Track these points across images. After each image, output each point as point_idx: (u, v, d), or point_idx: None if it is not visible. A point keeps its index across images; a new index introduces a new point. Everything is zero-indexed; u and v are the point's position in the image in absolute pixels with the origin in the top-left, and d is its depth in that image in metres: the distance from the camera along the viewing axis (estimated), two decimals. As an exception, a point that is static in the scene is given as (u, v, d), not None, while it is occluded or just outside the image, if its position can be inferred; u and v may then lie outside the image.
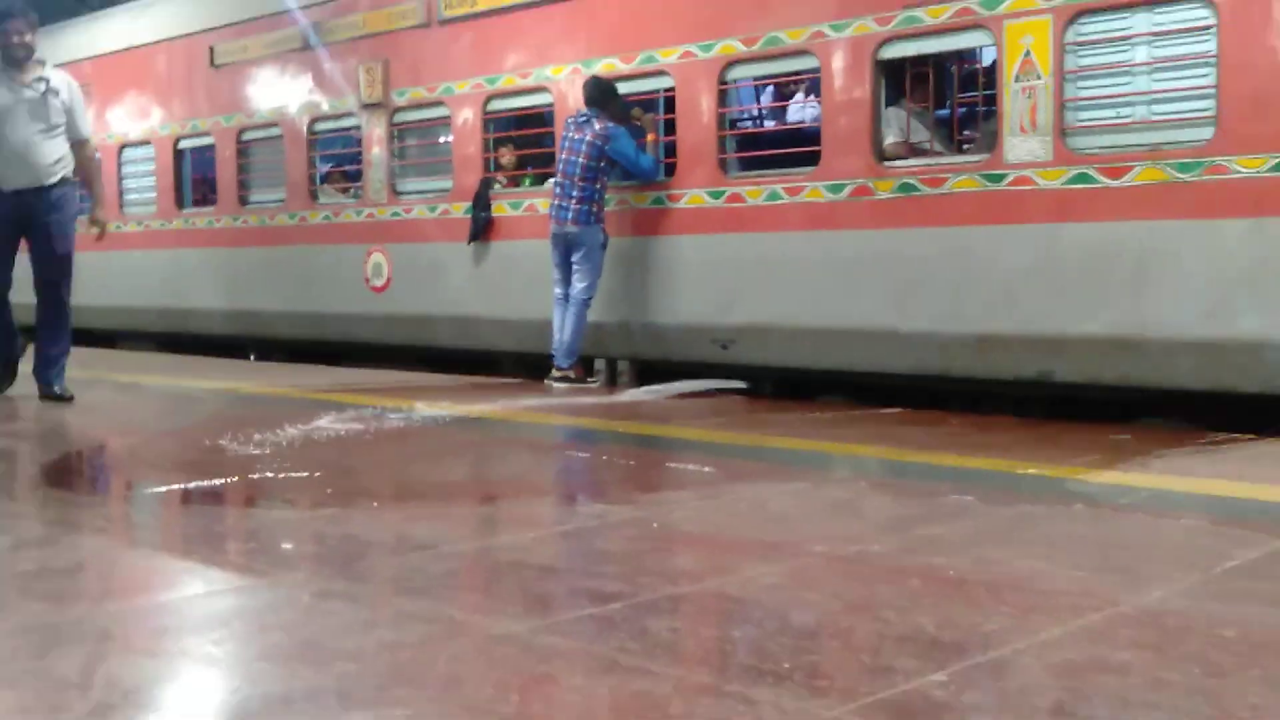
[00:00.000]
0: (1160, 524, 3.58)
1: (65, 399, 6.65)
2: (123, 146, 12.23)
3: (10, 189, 6.58)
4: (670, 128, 7.84)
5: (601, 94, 7.66)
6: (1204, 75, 5.72)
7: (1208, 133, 5.69)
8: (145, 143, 12.02)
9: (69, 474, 4.86)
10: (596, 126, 7.57)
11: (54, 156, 6.70)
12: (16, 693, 2.17)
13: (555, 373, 7.80)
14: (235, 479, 4.43)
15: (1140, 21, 5.93)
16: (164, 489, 4.31)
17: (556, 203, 7.72)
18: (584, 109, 7.75)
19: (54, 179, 6.71)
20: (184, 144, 11.66)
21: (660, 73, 7.85)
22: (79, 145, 6.91)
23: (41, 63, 6.78)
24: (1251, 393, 5.70)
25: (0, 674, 2.28)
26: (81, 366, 9.17)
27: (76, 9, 16.88)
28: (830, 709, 2.09)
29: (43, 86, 6.67)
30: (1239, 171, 5.59)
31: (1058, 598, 2.78)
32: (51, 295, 6.82)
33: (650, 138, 7.87)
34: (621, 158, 7.58)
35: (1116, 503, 3.87)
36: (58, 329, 6.86)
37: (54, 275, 6.78)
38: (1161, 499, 3.91)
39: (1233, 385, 5.73)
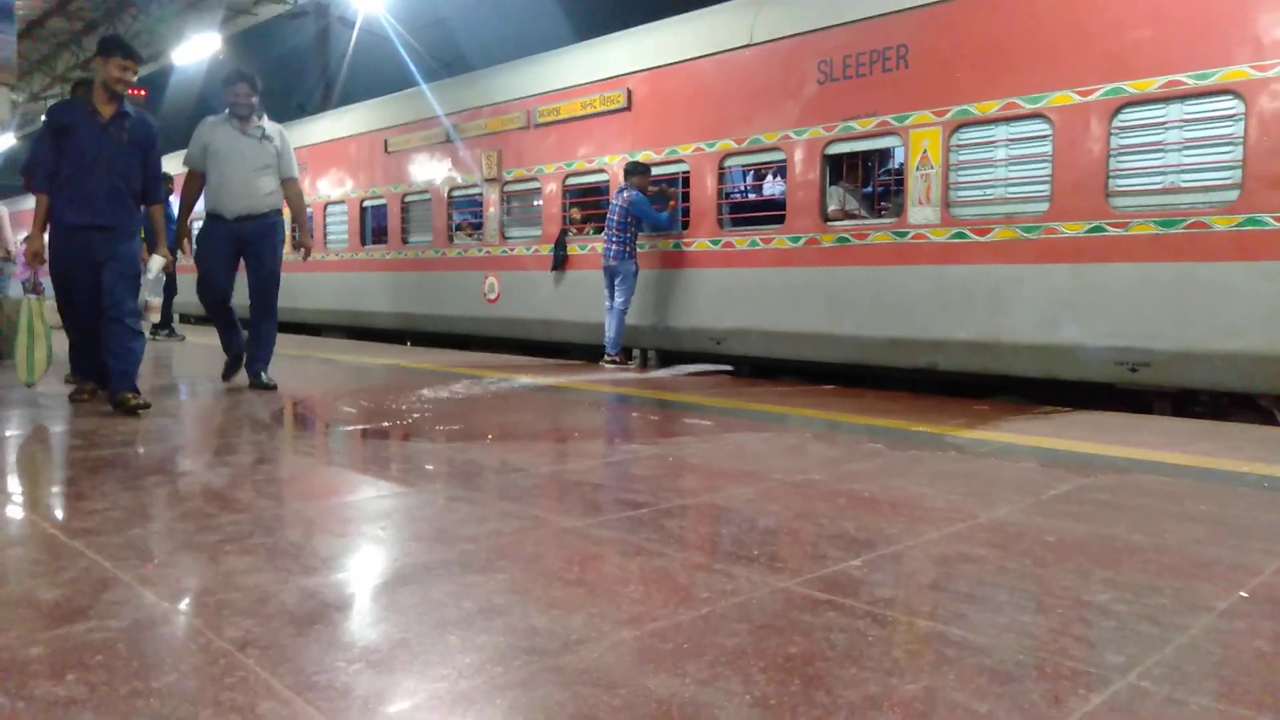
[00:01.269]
0: (1006, 465, 3.54)
1: (270, 388, 5.82)
2: (326, 204, 12.30)
3: (233, 216, 5.75)
4: (686, 197, 7.81)
5: (630, 172, 7.67)
6: (1043, 168, 5.64)
7: (1045, 206, 5.61)
8: (341, 201, 12.08)
9: (288, 417, 4.90)
10: (625, 194, 7.60)
11: (267, 190, 5.84)
12: (253, 558, 2.20)
13: (606, 358, 7.82)
14: (396, 422, 4.46)
15: (1000, 131, 5.85)
16: (349, 428, 4.34)
17: (604, 245, 7.76)
18: (623, 182, 7.77)
19: (267, 209, 5.85)
20: (366, 203, 11.71)
21: (680, 160, 7.81)
22: (288, 182, 5.99)
23: (261, 116, 5.97)
24: (1070, 379, 5.63)
25: (242, 545, 2.31)
26: (297, 348, 9.25)
27: (297, 112, 16.98)
28: (784, 581, 2.08)
29: (259, 134, 5.86)
30: (1065, 233, 5.51)
31: (936, 512, 2.76)
32: (262, 305, 5.94)
33: (671, 204, 7.86)
34: (640, 215, 7.59)
35: (977, 451, 3.83)
36: (266, 332, 6.01)
37: (265, 289, 5.90)
38: (1007, 449, 3.87)
39: (1057, 374, 5.66)
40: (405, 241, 11.07)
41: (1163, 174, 5.23)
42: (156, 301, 5.19)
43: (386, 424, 4.42)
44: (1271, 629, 1.81)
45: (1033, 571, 2.18)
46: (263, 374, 5.92)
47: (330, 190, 12.24)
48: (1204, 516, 2.72)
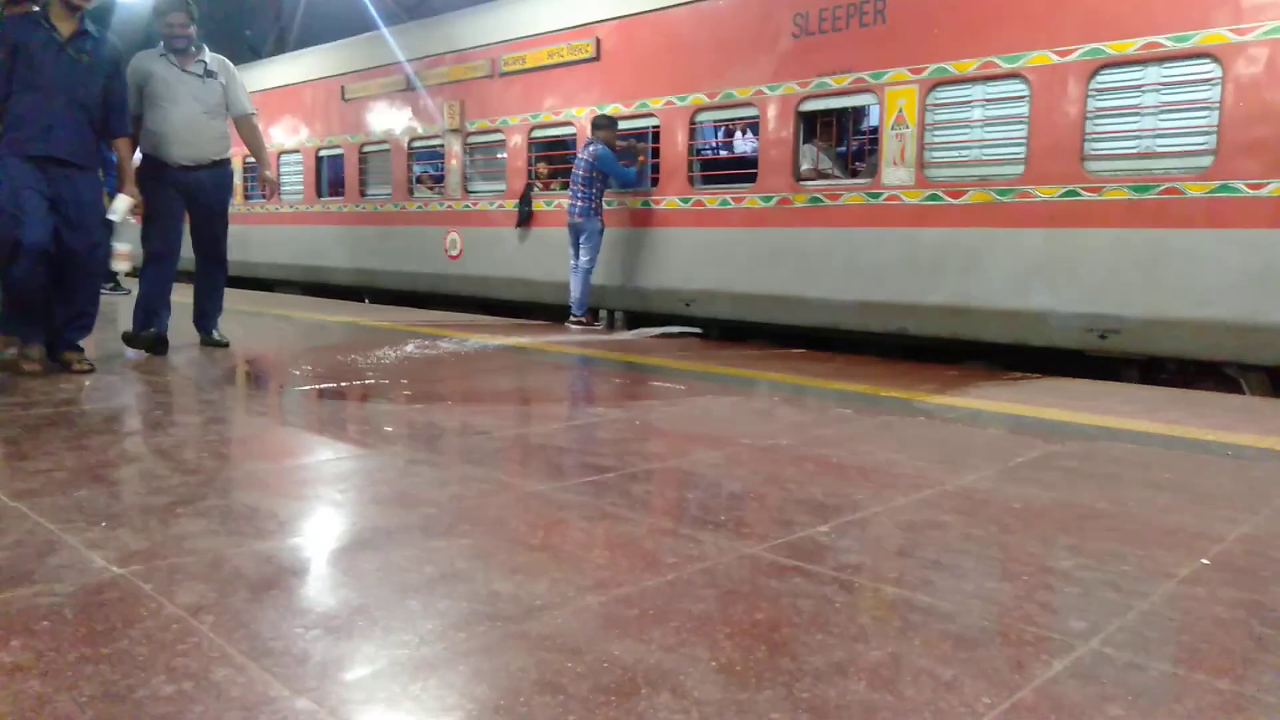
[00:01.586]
0: (974, 432, 3.60)
1: (223, 344, 5.53)
2: (280, 154, 12.04)
3: (177, 164, 5.22)
4: (656, 153, 7.75)
5: (596, 125, 7.60)
6: (1020, 130, 5.67)
7: (1020, 170, 5.65)
8: (295, 151, 11.84)
9: (243, 377, 4.84)
10: (591, 149, 7.52)
11: (216, 134, 5.35)
12: (206, 521, 2.18)
13: (571, 318, 7.79)
14: (354, 382, 4.42)
15: (977, 91, 5.86)
16: (305, 388, 4.29)
17: (569, 202, 7.70)
18: (589, 136, 7.70)
19: (216, 156, 5.36)
20: (322, 153, 11.48)
21: (650, 115, 7.74)
22: (244, 120, 5.54)
23: (201, 49, 5.36)
24: (1039, 346, 5.72)
25: (196, 508, 2.28)
26: (250, 304, 9.10)
27: (248, 54, 16.53)
28: (751, 547, 2.11)
29: (201, 69, 5.29)
30: (1039, 197, 5.56)
31: (904, 478, 2.80)
32: (210, 259, 5.57)
33: (640, 160, 7.81)
34: (605, 170, 7.52)
35: (945, 416, 3.89)
36: (217, 285, 5.65)
37: (213, 242, 5.53)
38: (976, 415, 3.93)
39: (1027, 340, 5.74)
40: (363, 194, 10.89)
41: (1138, 138, 5.29)
42: (125, 249, 4.68)
43: (344, 384, 4.38)
44: (1231, 596, 1.86)
45: (999, 538, 2.23)
46: (214, 330, 5.63)
47: (284, 139, 11.97)
48: (1168, 484, 2.79)
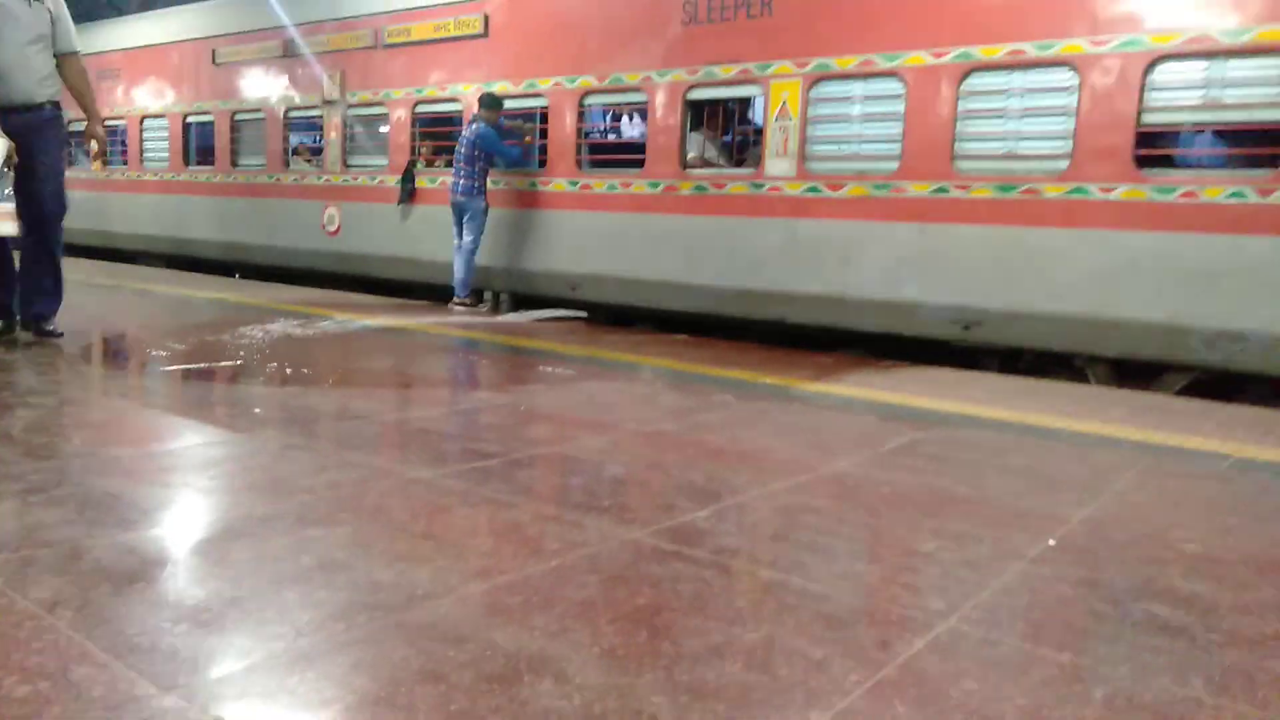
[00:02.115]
0: (847, 418, 3.74)
1: (55, 335, 4.56)
2: (144, 118, 11.36)
3: (4, 105, 4.25)
4: (544, 134, 7.69)
5: (482, 104, 7.48)
6: (895, 127, 5.89)
7: (895, 165, 5.88)
8: (161, 116, 11.19)
9: (100, 355, 4.57)
10: (474, 127, 7.42)
11: (44, 72, 4.42)
12: (62, 509, 2.07)
13: (454, 300, 7.67)
14: (223, 362, 4.24)
15: (857, 88, 6.05)
16: (169, 368, 4.09)
17: (452, 180, 7.58)
18: (474, 113, 7.59)
19: (43, 98, 4.43)
20: (190, 119, 10.89)
21: (538, 95, 7.67)
22: (69, 59, 4.55)
23: None
24: (910, 336, 5.98)
25: (49, 496, 2.16)
26: (108, 276, 8.58)
27: (110, 13, 15.49)
28: (633, 532, 2.15)
29: None
30: (912, 193, 5.80)
31: (780, 464, 2.90)
32: (41, 226, 4.48)
33: (527, 140, 7.73)
34: (488, 149, 7.42)
35: (820, 404, 4.03)
36: (47, 263, 4.59)
37: (45, 205, 4.45)
38: (849, 402, 4.08)
39: (899, 330, 5.99)
40: (235, 164, 10.39)
41: (1003, 140, 5.58)
42: (8, 207, 3.88)
43: (212, 364, 4.19)
44: (1073, 574, 2.02)
45: (868, 522, 2.34)
46: (46, 318, 4.61)
47: (149, 102, 11.30)
48: (1022, 469, 2.98)
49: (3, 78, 4.31)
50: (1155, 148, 5.20)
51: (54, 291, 4.65)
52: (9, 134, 4.23)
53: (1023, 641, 1.66)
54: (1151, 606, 1.85)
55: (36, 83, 4.42)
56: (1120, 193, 5.12)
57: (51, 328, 4.60)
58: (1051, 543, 2.22)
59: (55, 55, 4.53)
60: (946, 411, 3.93)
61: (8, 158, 4.03)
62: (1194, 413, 4.20)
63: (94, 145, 4.75)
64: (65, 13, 4.58)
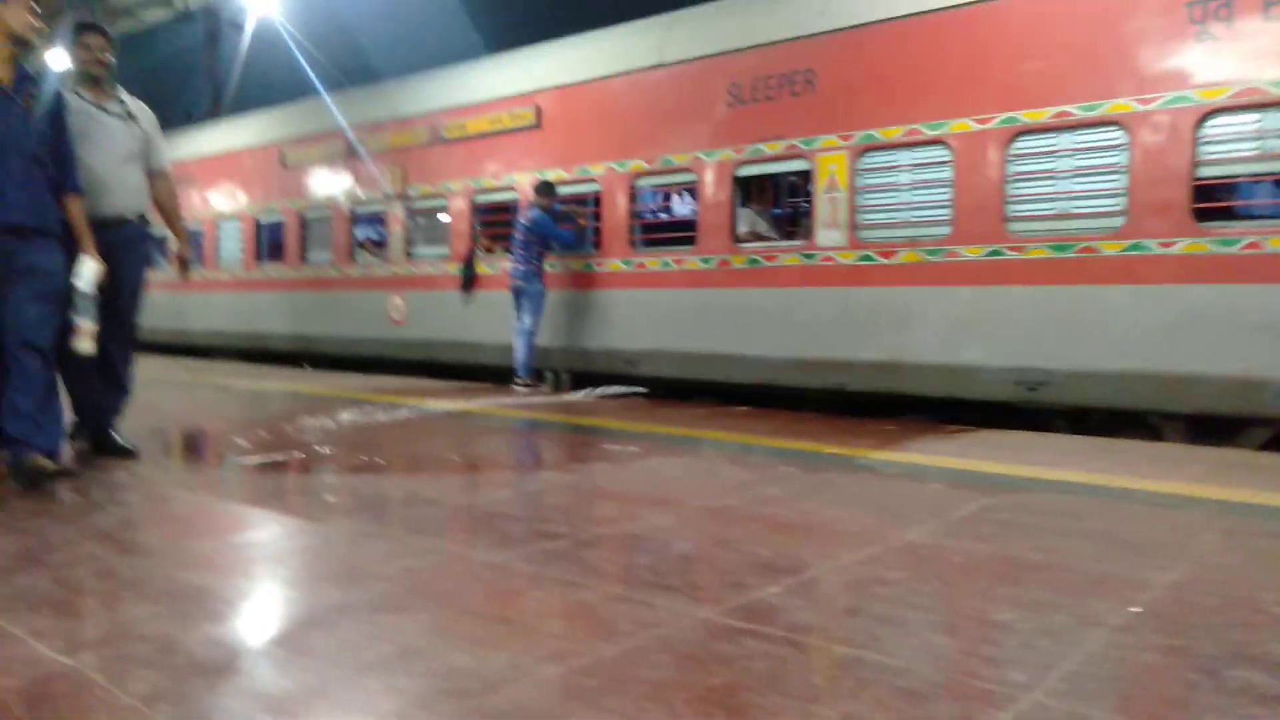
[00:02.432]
0: (915, 487, 3.69)
1: (130, 453, 4.21)
2: (218, 219, 11.95)
3: (98, 219, 4.12)
4: (598, 217, 7.88)
5: (536, 191, 7.72)
6: (945, 193, 5.92)
7: (947, 230, 5.89)
8: (234, 217, 11.76)
9: (185, 448, 4.74)
10: (530, 213, 7.65)
11: (135, 187, 4.37)
12: (154, 605, 2.14)
13: (516, 380, 7.80)
14: (297, 453, 4.36)
15: (903, 157, 6.12)
16: (247, 460, 4.22)
17: (511, 265, 7.79)
18: (530, 200, 7.82)
19: (135, 213, 4.35)
20: (262, 219, 11.42)
21: (591, 180, 7.89)
22: (160, 178, 4.51)
23: (116, 85, 4.40)
24: (972, 399, 5.90)
25: (140, 591, 2.24)
26: (186, 372, 8.92)
27: (184, 121, 16.40)
28: (704, 610, 2.14)
29: (122, 109, 4.34)
30: (966, 257, 5.79)
31: (849, 535, 2.87)
32: (121, 339, 4.30)
33: (581, 223, 7.93)
34: (543, 233, 7.63)
35: (886, 472, 3.99)
36: (123, 374, 4.36)
37: (125, 318, 4.31)
38: (915, 470, 4.03)
39: (961, 394, 5.92)
40: (304, 259, 10.82)
41: (1055, 200, 5.56)
42: (89, 325, 3.73)
43: (286, 455, 4.32)
44: (1161, 642, 1.95)
45: (942, 592, 2.30)
46: (115, 433, 4.33)
47: (222, 205, 11.89)
48: (1097, 533, 2.90)
49: (98, 191, 4.17)
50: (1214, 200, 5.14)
51: (118, 406, 4.37)
52: (102, 248, 3.99)
53: (1112, 714, 1.61)
54: (1246, 673, 1.78)
55: (130, 197, 4.35)
56: (1180, 247, 5.05)
57: (125, 441, 4.28)
58: (1135, 609, 2.16)
59: (149, 173, 4.49)
60: (1016, 475, 3.86)
61: (100, 278, 3.86)
62: (1278, 468, 4.05)
63: (178, 266, 4.72)
64: (159, 132, 4.57)
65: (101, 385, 4.27)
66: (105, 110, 4.29)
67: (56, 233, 3.74)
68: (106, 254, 4.05)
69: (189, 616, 2.05)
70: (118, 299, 4.20)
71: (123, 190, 4.31)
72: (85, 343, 3.72)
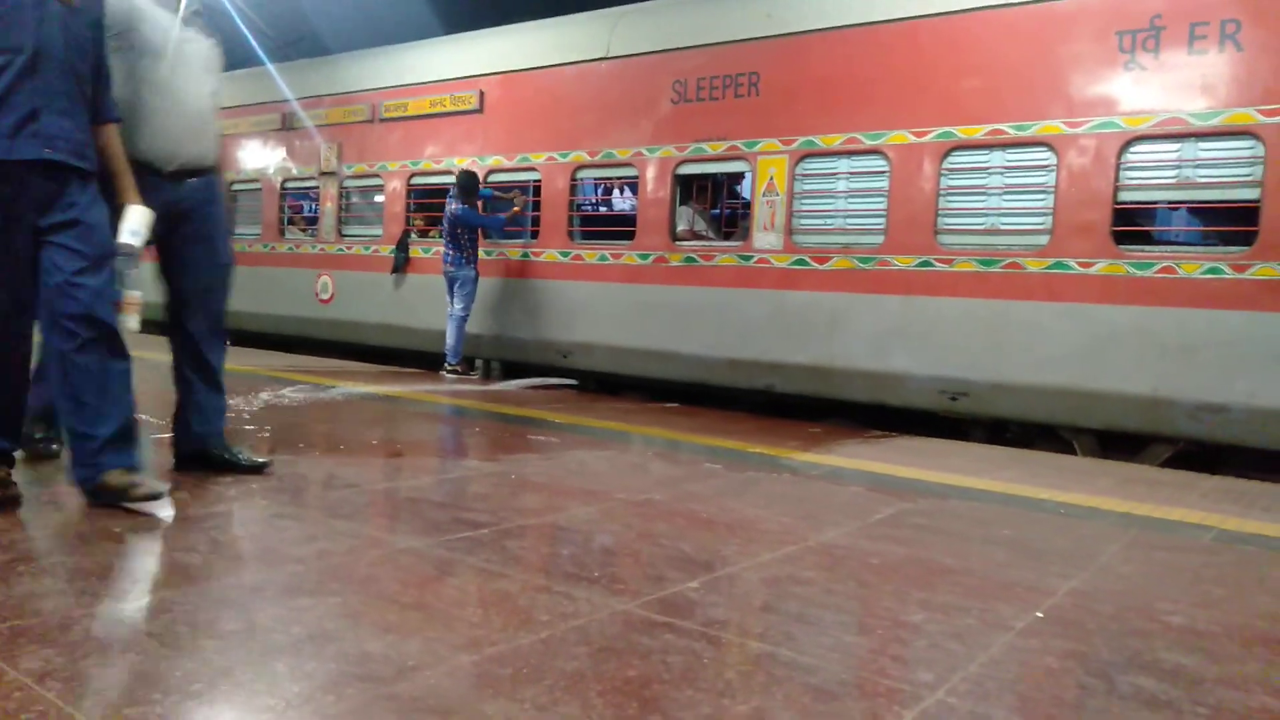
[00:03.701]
0: (836, 489, 3.76)
1: (260, 468, 3.37)
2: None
3: (172, 168, 3.19)
4: (537, 206, 7.83)
5: (459, 186, 7.61)
6: (880, 202, 6.03)
7: (880, 239, 6.00)
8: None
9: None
10: (453, 207, 7.57)
11: (215, 127, 3.40)
12: (51, 579, 2.05)
13: (445, 367, 7.71)
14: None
15: (842, 164, 6.21)
16: (154, 435, 4.07)
17: (443, 251, 7.70)
18: (450, 193, 7.73)
19: (215, 160, 3.39)
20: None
21: (532, 169, 7.83)
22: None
23: None
24: (897, 406, 6.03)
25: (37, 565, 2.15)
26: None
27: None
28: (624, 604, 2.15)
29: (199, 23, 3.35)
30: (897, 266, 5.91)
31: (770, 534, 2.91)
32: (212, 322, 3.36)
33: (515, 210, 7.82)
34: (468, 224, 7.57)
35: (809, 474, 4.05)
36: (218, 367, 3.40)
37: (218, 294, 3.39)
38: (838, 473, 4.11)
39: (886, 400, 6.04)
40: (230, 233, 10.50)
41: (985, 216, 5.72)
42: (137, 296, 2.96)
43: (205, 432, 4.18)
44: (1061, 647, 2.03)
45: (857, 593, 2.35)
46: (230, 445, 3.42)
47: None
48: (1007, 541, 3.00)
49: (182, 133, 3.24)
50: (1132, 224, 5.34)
51: (223, 410, 3.45)
52: (176, 208, 3.22)
53: (1011, 715, 1.66)
54: (1138, 679, 1.86)
55: (213, 140, 3.40)
56: (1099, 268, 5.24)
57: (246, 458, 3.41)
58: (1039, 615, 2.24)
59: None
60: (933, 482, 3.95)
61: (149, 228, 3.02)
62: (1178, 484, 4.24)
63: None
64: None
65: (200, 380, 3.36)
66: (188, 25, 3.31)
67: (97, 175, 2.86)
68: (188, 212, 3.27)
69: (89, 594, 1.98)
70: (209, 266, 3.36)
71: (206, 131, 3.34)
72: (134, 319, 2.97)
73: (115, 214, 2.91)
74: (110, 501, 2.72)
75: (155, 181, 3.14)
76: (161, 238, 3.22)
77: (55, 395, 2.80)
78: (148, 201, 3.03)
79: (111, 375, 2.76)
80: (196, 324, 3.36)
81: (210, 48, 3.39)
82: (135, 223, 2.93)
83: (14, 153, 2.60)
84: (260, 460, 3.43)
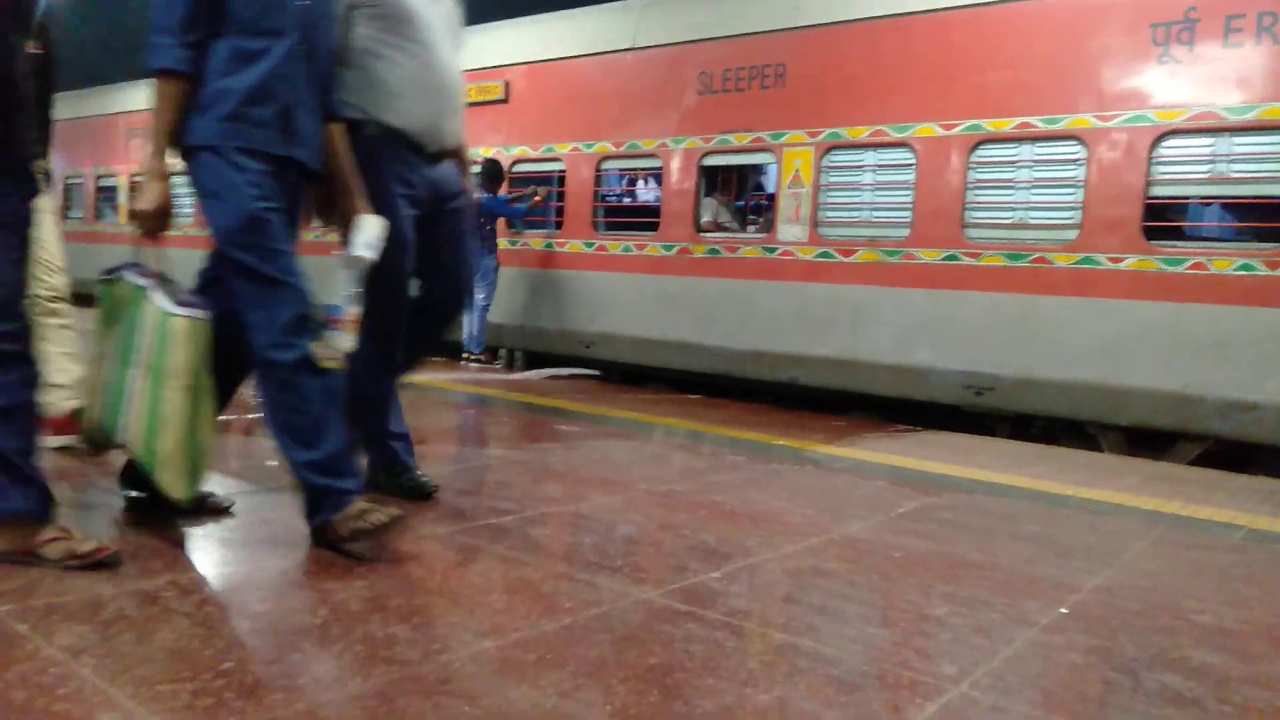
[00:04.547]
0: (859, 482, 3.75)
1: (429, 492, 2.93)
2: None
3: (436, 149, 2.79)
4: (561, 197, 7.85)
5: (483, 175, 7.61)
6: (906, 195, 5.99)
7: (906, 232, 5.96)
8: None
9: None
10: (475, 195, 7.59)
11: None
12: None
13: (467, 355, 7.76)
14: (232, 417, 4.29)
15: (869, 157, 6.18)
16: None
17: None
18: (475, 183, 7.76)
19: (462, 137, 2.92)
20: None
21: (556, 159, 7.84)
22: None
23: None
24: (921, 400, 6.00)
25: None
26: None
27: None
28: (646, 592, 2.16)
29: None
30: (923, 259, 5.87)
31: (793, 526, 2.91)
32: (443, 327, 3.01)
33: (537, 201, 7.81)
34: (491, 213, 7.58)
35: (833, 466, 4.04)
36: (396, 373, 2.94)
37: (459, 295, 2.97)
38: (861, 466, 4.09)
39: (910, 394, 6.01)
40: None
41: (1013, 210, 5.66)
42: (355, 314, 2.63)
43: (236, 417, 4.24)
44: (1085, 643, 2.01)
45: (880, 586, 2.35)
46: (415, 471, 2.99)
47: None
48: (1033, 536, 2.98)
49: (441, 109, 2.78)
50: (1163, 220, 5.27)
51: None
52: (436, 190, 2.83)
53: (1034, 710, 1.66)
54: (1164, 677, 1.85)
55: (460, 115, 2.90)
56: (1129, 263, 5.18)
57: (425, 480, 2.97)
58: (1063, 610, 2.22)
59: None
60: (958, 477, 3.93)
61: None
62: (1207, 482, 4.19)
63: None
64: None
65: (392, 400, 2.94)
66: None
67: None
68: (438, 202, 2.84)
69: (123, 574, 2.01)
70: (457, 263, 2.90)
71: (456, 114, 2.85)
72: (348, 341, 2.60)
73: (335, 223, 2.59)
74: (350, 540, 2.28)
75: (415, 163, 2.75)
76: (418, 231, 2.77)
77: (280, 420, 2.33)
78: (410, 185, 2.71)
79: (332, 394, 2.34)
80: (427, 339, 2.97)
81: (455, 10, 2.96)
82: (373, 234, 2.54)
83: (277, 147, 2.31)
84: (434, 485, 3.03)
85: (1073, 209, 5.41)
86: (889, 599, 2.25)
